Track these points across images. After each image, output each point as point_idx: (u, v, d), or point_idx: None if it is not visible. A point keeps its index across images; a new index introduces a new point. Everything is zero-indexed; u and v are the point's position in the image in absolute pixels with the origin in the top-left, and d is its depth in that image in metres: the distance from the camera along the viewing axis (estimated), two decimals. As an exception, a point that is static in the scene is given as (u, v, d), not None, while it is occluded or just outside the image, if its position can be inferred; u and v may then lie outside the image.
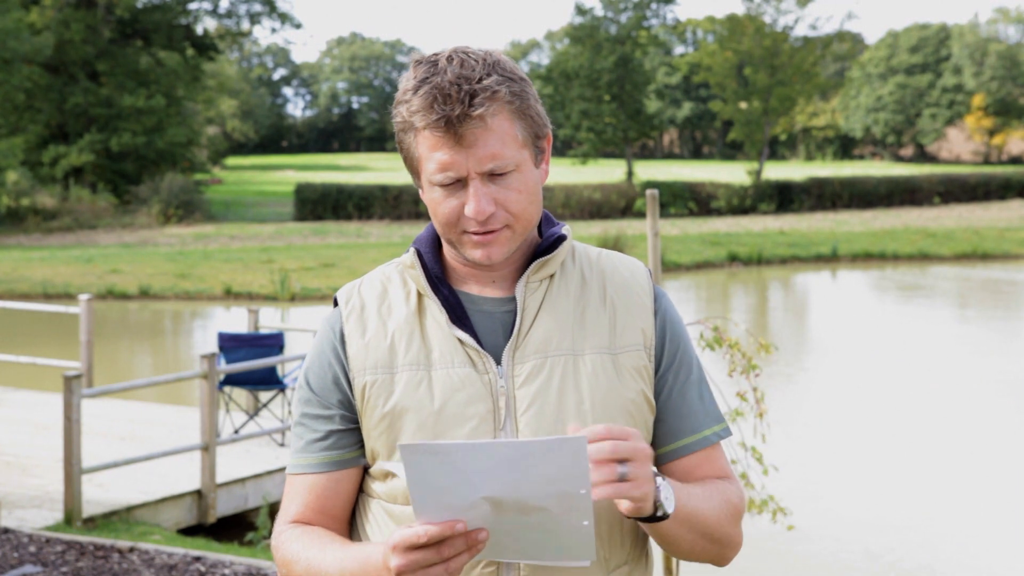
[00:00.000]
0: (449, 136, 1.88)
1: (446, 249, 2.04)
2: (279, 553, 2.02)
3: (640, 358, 2.00)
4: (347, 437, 2.01)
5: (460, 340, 1.96)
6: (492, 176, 1.91)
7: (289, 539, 2.00)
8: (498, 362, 1.96)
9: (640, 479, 1.77)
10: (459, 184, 1.91)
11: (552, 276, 2.01)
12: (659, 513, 1.84)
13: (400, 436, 1.95)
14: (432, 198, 1.94)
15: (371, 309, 2.01)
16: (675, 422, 2.04)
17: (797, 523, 6.98)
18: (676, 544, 1.95)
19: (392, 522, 1.98)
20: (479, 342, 1.96)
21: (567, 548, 1.75)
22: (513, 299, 2.00)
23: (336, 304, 2.06)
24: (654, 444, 2.05)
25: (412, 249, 2.02)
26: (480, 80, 1.88)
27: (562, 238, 2.02)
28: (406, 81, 1.93)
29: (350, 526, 2.07)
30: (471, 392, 1.94)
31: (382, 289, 2.04)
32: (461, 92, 1.87)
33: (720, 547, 2.01)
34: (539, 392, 1.95)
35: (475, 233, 1.93)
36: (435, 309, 1.99)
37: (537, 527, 1.72)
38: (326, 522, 2.02)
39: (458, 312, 1.98)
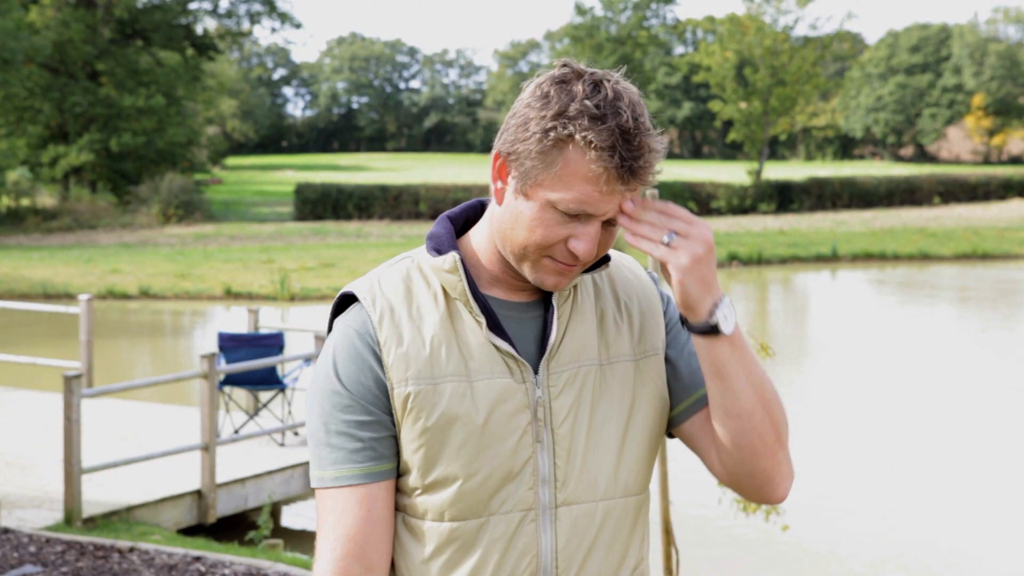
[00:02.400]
0: (614, 181, 1.81)
1: (483, 251, 1.97)
2: None
3: (659, 362, 2.01)
4: (389, 446, 1.90)
5: (497, 348, 1.91)
6: (608, 222, 1.87)
7: None
8: (534, 371, 1.92)
9: (690, 250, 1.80)
10: (579, 216, 1.84)
11: (575, 284, 1.99)
12: (713, 321, 1.83)
13: (444, 449, 1.88)
14: (540, 217, 1.84)
15: (401, 312, 1.92)
16: (691, 375, 2.01)
17: (796, 525, 6.99)
18: (734, 390, 1.88)
19: (412, 538, 1.92)
20: (516, 350, 1.92)
21: None
22: (537, 305, 1.97)
23: (348, 301, 1.96)
24: (674, 404, 2.02)
25: (453, 254, 1.92)
26: (652, 134, 1.83)
27: (607, 259, 1.98)
28: (566, 94, 1.82)
29: None
30: (513, 403, 1.90)
31: (406, 289, 1.94)
32: (642, 145, 1.81)
33: (776, 435, 1.95)
34: (575, 403, 1.93)
35: (560, 262, 1.87)
36: (467, 315, 1.92)
37: None
38: (379, 540, 1.90)
39: (494, 319, 1.92)
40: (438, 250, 1.93)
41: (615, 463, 1.95)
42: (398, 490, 1.93)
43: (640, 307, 2.02)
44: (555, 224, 1.84)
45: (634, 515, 1.99)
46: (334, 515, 1.88)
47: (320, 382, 1.91)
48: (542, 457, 1.91)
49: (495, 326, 1.91)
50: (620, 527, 1.97)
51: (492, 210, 1.94)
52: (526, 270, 1.89)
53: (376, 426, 1.88)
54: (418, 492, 1.90)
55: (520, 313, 1.96)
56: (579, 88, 1.82)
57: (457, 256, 1.91)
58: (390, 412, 1.89)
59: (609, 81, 1.84)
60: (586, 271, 1.97)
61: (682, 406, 2.02)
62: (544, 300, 1.98)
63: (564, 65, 1.86)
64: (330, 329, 1.98)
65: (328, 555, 1.88)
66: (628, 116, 1.80)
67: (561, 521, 1.91)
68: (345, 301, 1.96)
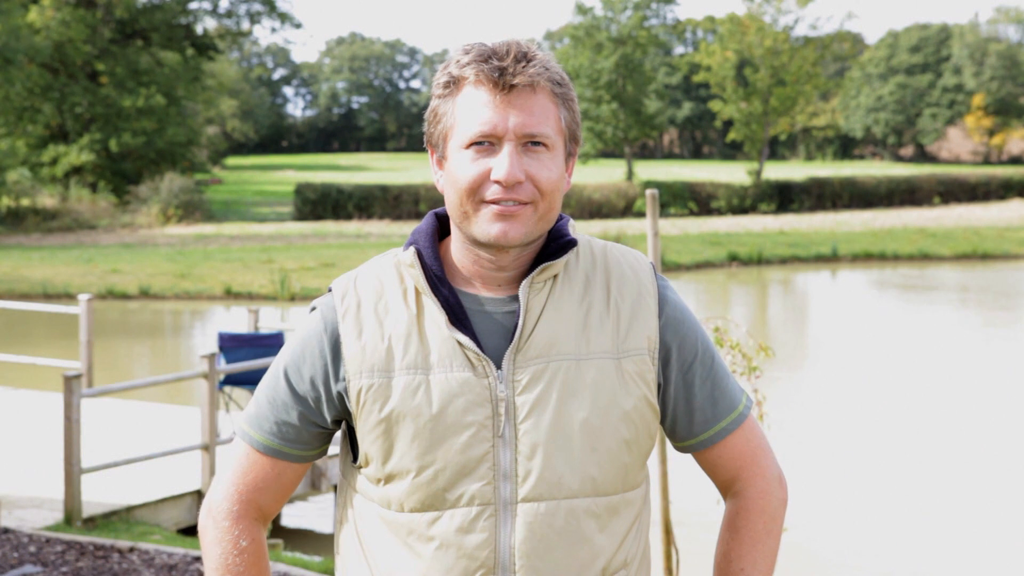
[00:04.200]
0: (498, 92, 1.87)
1: (453, 244, 1.97)
2: (213, 536, 2.01)
3: (644, 363, 1.97)
4: (300, 433, 1.99)
5: (459, 343, 1.90)
6: (528, 147, 1.89)
7: (229, 542, 2.00)
8: (498, 366, 1.91)
9: None
10: (492, 148, 1.88)
11: (556, 276, 1.96)
12: None
13: (396, 441, 1.89)
14: (458, 162, 1.90)
15: (367, 307, 1.94)
16: (711, 408, 2.03)
17: (795, 525, 6.98)
18: None
19: (387, 530, 1.93)
20: (479, 345, 1.90)
21: None
22: (515, 299, 1.94)
23: (330, 292, 2.00)
24: (691, 433, 2.05)
25: (412, 247, 1.95)
26: (535, 53, 1.91)
27: (572, 243, 1.97)
28: (452, 56, 1.94)
29: (342, 525, 2.04)
30: (470, 398, 1.89)
31: (379, 285, 1.96)
32: (517, 54, 1.89)
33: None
34: (540, 399, 1.90)
35: (496, 203, 1.87)
36: (434, 309, 1.92)
37: None
38: (260, 506, 2.03)
39: (458, 313, 1.91)
40: (413, 244, 1.98)
41: (585, 461, 1.91)
42: (368, 479, 1.96)
43: (632, 305, 1.98)
44: (470, 162, 1.89)
45: (609, 516, 1.94)
46: (235, 460, 2.08)
47: (280, 352, 2.04)
48: (504, 452, 1.89)
49: (457, 320, 1.91)
50: (589, 527, 1.92)
51: None
52: (475, 230, 1.90)
53: (292, 413, 1.98)
54: (381, 483, 1.93)
55: (495, 308, 1.94)
56: (459, 51, 1.93)
57: (415, 249, 1.95)
58: (318, 406, 1.96)
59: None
60: (553, 255, 1.94)
61: (700, 438, 2.05)
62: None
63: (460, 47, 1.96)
64: None
65: (227, 488, 2.05)
66: (501, 45, 1.90)
67: (520, 517, 1.89)
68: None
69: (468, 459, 1.88)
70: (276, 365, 2.01)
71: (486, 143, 1.88)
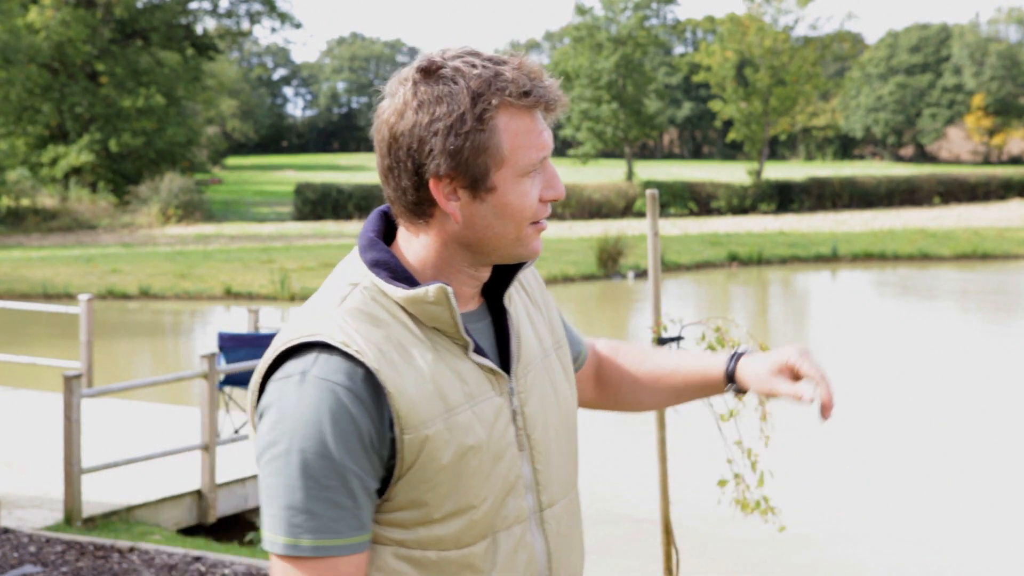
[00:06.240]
0: (540, 117, 1.81)
1: (421, 271, 1.84)
2: None
3: (567, 348, 2.05)
4: (369, 514, 1.77)
5: (480, 366, 1.83)
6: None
7: None
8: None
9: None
10: (537, 167, 1.83)
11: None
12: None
13: (460, 481, 1.78)
14: (517, 192, 1.79)
15: (390, 353, 1.76)
16: (574, 334, 2.17)
17: (795, 525, 6.99)
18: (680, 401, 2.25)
19: (416, 570, 1.81)
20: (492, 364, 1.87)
21: None
22: (482, 312, 1.91)
23: (296, 352, 1.75)
24: (576, 363, 2.18)
25: (440, 286, 1.77)
26: (528, 57, 1.86)
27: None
28: (452, 82, 1.75)
29: None
30: (503, 419, 1.85)
31: (373, 328, 1.78)
32: (541, 70, 1.82)
33: None
34: (539, 406, 1.91)
35: (541, 222, 1.86)
36: (444, 339, 1.81)
37: None
38: None
39: (473, 338, 1.86)
40: (407, 280, 1.80)
41: (568, 458, 1.97)
42: (394, 526, 1.79)
43: (541, 296, 2.04)
44: (530, 188, 1.80)
45: (579, 507, 2.02)
46: None
47: (297, 442, 1.70)
48: (524, 465, 1.88)
49: (477, 347, 1.84)
50: (579, 521, 2.00)
51: (435, 232, 1.82)
52: (522, 251, 1.84)
53: (361, 495, 1.73)
54: (423, 527, 1.79)
55: (472, 324, 1.88)
56: (456, 68, 1.77)
57: (449, 289, 1.78)
58: (375, 475, 1.75)
59: (451, 53, 1.81)
60: (519, 269, 1.93)
61: (581, 359, 2.20)
62: (486, 307, 1.93)
63: (418, 70, 1.80)
64: (266, 378, 1.77)
65: None
66: (515, 63, 1.79)
67: (548, 524, 1.90)
68: (295, 352, 1.76)
69: (509, 478, 1.85)
70: (299, 460, 1.70)
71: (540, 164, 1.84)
